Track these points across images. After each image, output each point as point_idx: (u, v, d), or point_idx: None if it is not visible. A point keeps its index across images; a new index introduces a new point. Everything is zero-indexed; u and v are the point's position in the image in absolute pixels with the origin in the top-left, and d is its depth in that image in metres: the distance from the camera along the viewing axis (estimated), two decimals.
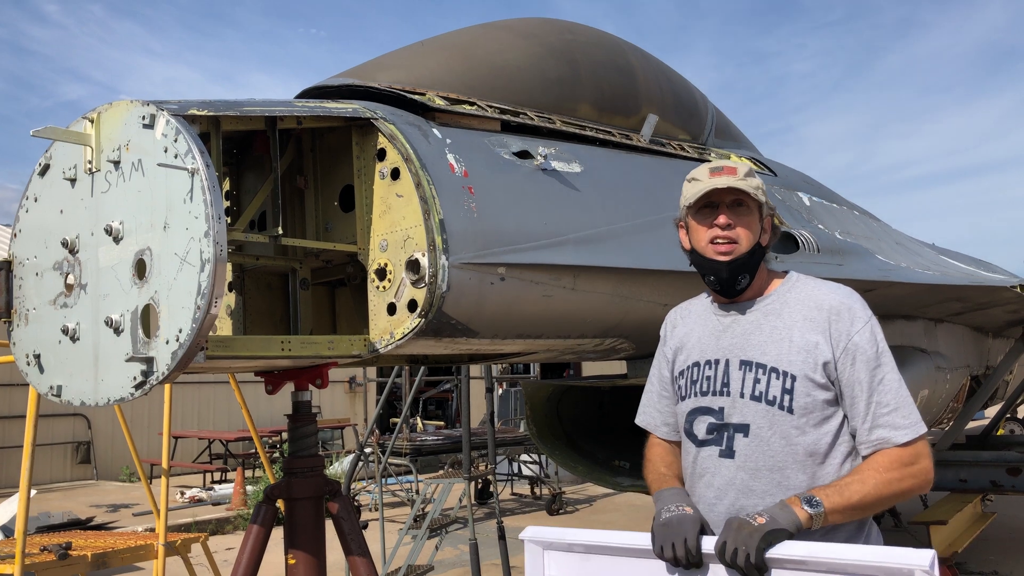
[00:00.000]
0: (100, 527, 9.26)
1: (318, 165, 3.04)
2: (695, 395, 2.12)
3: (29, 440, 4.14)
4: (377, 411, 9.20)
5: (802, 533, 1.85)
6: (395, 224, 2.63)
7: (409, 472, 11.16)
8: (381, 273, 2.67)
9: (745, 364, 2.04)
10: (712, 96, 4.59)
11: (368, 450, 9.87)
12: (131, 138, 2.22)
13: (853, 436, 2.02)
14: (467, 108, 3.02)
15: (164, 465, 5.42)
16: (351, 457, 10.09)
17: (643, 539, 1.99)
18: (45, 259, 2.44)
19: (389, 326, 2.64)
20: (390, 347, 2.63)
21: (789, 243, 4.03)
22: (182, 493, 11.71)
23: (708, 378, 2.10)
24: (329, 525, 2.95)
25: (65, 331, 2.33)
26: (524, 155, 2.97)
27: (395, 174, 2.64)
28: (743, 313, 2.11)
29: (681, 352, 2.22)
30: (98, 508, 11.02)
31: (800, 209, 4.62)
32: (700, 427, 2.10)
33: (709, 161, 4.11)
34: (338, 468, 12.17)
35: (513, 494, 12.95)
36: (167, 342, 2.09)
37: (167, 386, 5.19)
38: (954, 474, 6.60)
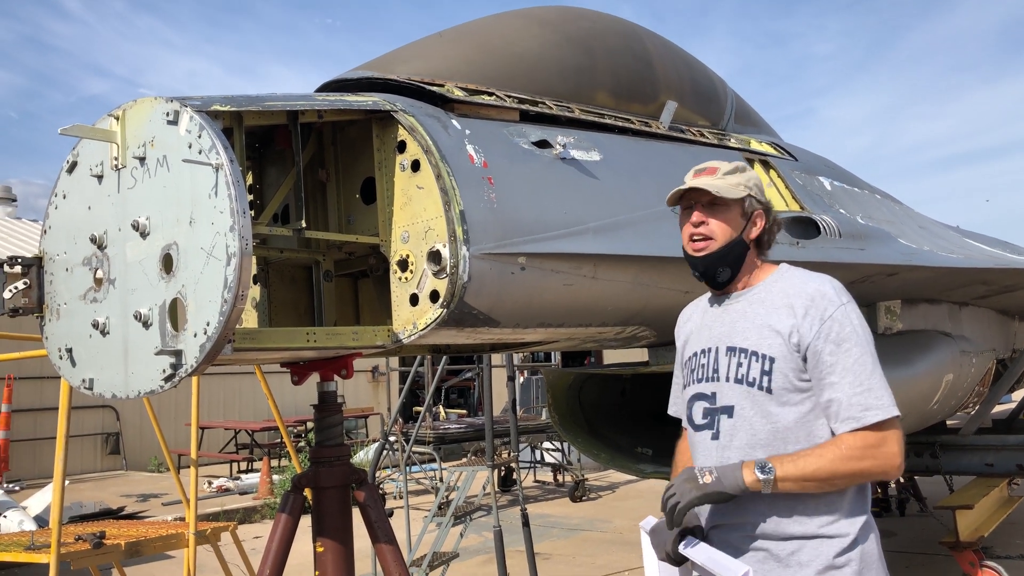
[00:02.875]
0: (131, 516, 9.41)
1: (339, 158, 3.07)
2: (693, 382, 2.25)
3: (62, 432, 4.22)
4: (400, 400, 9.28)
5: (764, 499, 2.00)
6: (416, 215, 2.66)
7: (433, 460, 11.24)
8: (403, 264, 2.70)
9: (731, 350, 2.16)
10: (731, 80, 4.57)
11: (392, 439, 9.95)
12: (156, 134, 2.26)
13: (827, 417, 2.07)
14: (486, 98, 3.03)
15: (193, 455, 5.50)
16: (376, 446, 10.18)
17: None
18: (74, 255, 2.49)
19: (412, 316, 2.67)
20: (413, 337, 2.66)
21: (810, 228, 4.01)
22: (209, 483, 11.87)
23: (703, 365, 2.23)
24: (356, 513, 2.99)
25: (95, 325, 2.38)
26: (543, 144, 2.98)
27: (415, 166, 2.66)
28: (733, 303, 2.23)
29: (687, 344, 2.35)
30: (128, 498, 11.20)
31: (821, 194, 4.59)
32: (697, 412, 2.22)
33: (729, 147, 4.11)
34: (363, 457, 12.28)
35: (536, 481, 13.01)
36: (195, 335, 2.13)
37: (195, 378, 5.27)
38: (980, 459, 6.54)
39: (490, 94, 3.08)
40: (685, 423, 2.31)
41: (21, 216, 19.75)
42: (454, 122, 2.80)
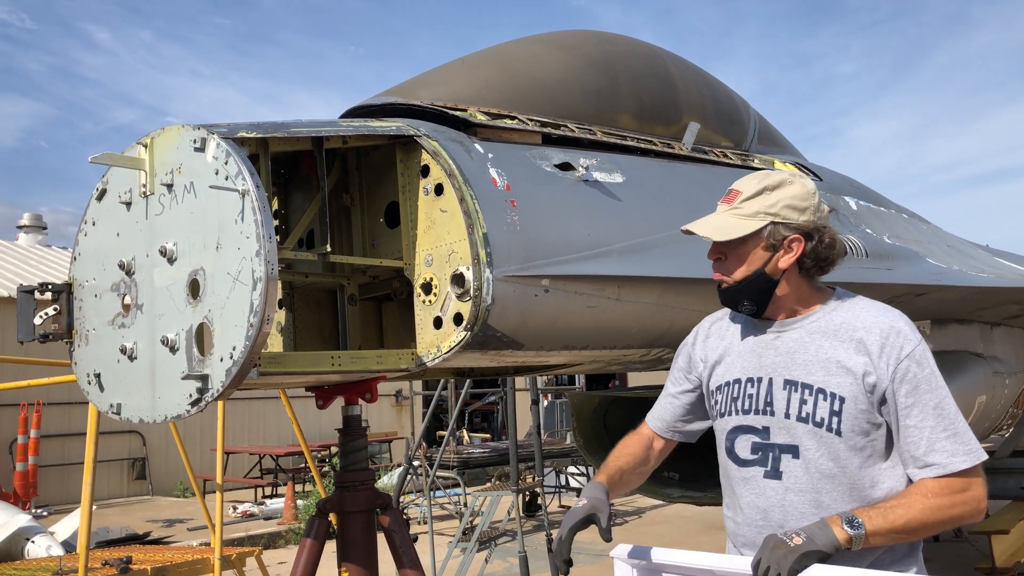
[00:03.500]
0: (157, 541, 9.44)
1: (364, 183, 3.09)
2: (735, 412, 2.07)
3: (90, 457, 4.25)
4: (424, 424, 9.26)
5: (842, 553, 1.80)
6: (440, 239, 2.67)
7: (457, 485, 11.19)
8: (427, 287, 2.70)
9: (790, 384, 1.99)
10: (754, 101, 4.56)
11: (416, 463, 9.93)
12: (183, 161, 2.29)
13: (905, 462, 1.95)
14: (508, 122, 3.05)
15: (219, 480, 5.52)
16: (400, 470, 10.16)
17: (740, 563, 1.91)
18: (103, 281, 2.52)
19: (436, 340, 2.67)
20: (437, 360, 2.65)
21: None
22: (234, 508, 11.90)
23: (750, 396, 2.04)
24: (380, 538, 2.98)
25: (123, 350, 2.40)
26: (566, 167, 2.98)
27: (439, 190, 2.67)
28: (787, 331, 2.05)
29: (720, 365, 2.15)
30: (154, 523, 11.25)
31: (847, 213, 4.55)
32: (743, 446, 2.05)
33: (752, 167, 4.09)
34: (387, 481, 12.26)
35: (561, 506, 12.90)
36: (221, 360, 2.14)
37: (220, 403, 5.30)
38: (1016, 482, 6.40)
39: (512, 118, 3.09)
40: (721, 455, 2.12)
41: (51, 243, 20.09)
42: (477, 146, 2.81)
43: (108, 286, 2.50)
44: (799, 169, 4.59)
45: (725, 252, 2.04)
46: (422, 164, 2.73)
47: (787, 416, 1.98)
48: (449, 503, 11.39)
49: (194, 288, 2.23)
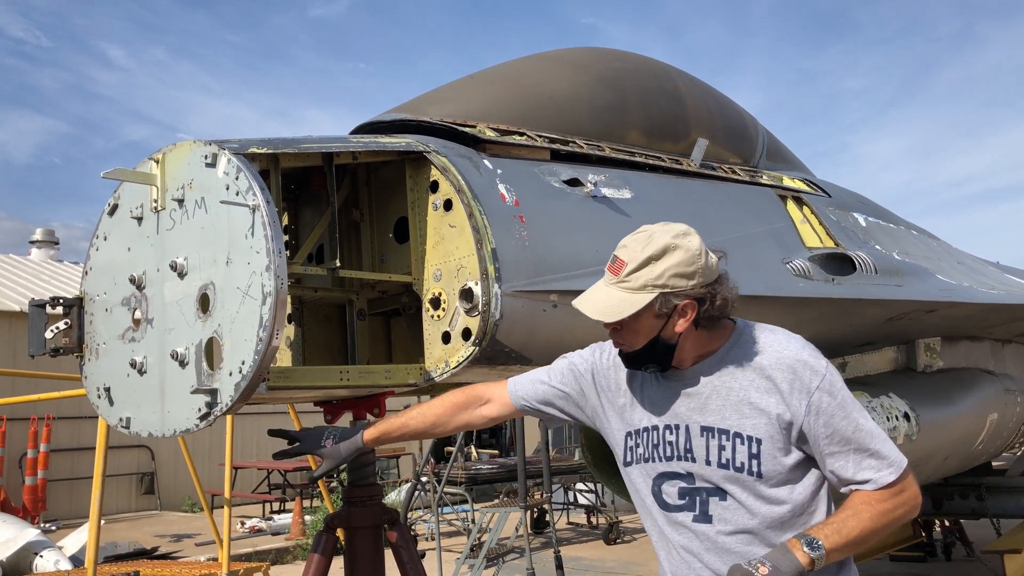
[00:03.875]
0: (165, 556, 9.44)
1: (373, 198, 3.11)
2: (659, 459, 2.07)
3: (99, 471, 4.26)
4: (432, 441, 9.24)
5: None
6: (448, 254, 2.67)
7: (464, 501, 11.15)
8: (435, 302, 2.71)
9: (707, 430, 1.99)
10: (763, 117, 4.57)
11: (424, 479, 9.91)
12: (194, 177, 2.31)
13: (834, 485, 1.98)
14: (517, 138, 3.06)
15: (227, 495, 5.52)
16: (407, 486, 10.13)
17: None
18: (114, 295, 2.54)
19: (444, 354, 2.67)
20: (445, 375, 2.66)
21: (845, 264, 3.96)
22: (242, 523, 11.88)
23: (670, 443, 2.05)
24: (388, 554, 2.97)
25: (133, 364, 2.41)
26: (574, 183, 2.99)
27: (448, 205, 2.69)
28: (695, 376, 2.04)
29: (631, 409, 2.14)
30: (162, 538, 11.24)
31: (856, 230, 4.54)
32: (670, 491, 2.05)
33: (761, 183, 4.09)
34: (395, 497, 12.23)
35: (569, 523, 12.84)
36: (230, 374, 2.15)
37: (229, 417, 5.30)
38: None
39: (521, 134, 3.11)
40: (648, 501, 2.11)
41: (63, 258, 20.22)
42: (486, 162, 2.82)
43: (119, 300, 2.51)
44: (807, 185, 4.60)
45: (620, 324, 2.02)
46: (431, 180, 2.74)
47: (708, 463, 1.99)
48: (457, 519, 11.35)
49: (204, 303, 2.25)
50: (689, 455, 2.01)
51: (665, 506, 2.07)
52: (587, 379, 2.24)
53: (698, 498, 2.01)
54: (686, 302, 1.97)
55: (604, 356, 2.25)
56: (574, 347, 2.88)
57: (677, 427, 2.04)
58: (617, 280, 1.98)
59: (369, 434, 2.37)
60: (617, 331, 2.04)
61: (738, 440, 1.95)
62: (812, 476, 1.98)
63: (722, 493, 1.98)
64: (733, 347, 2.04)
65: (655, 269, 1.95)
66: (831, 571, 1.96)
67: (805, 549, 1.83)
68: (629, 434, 2.14)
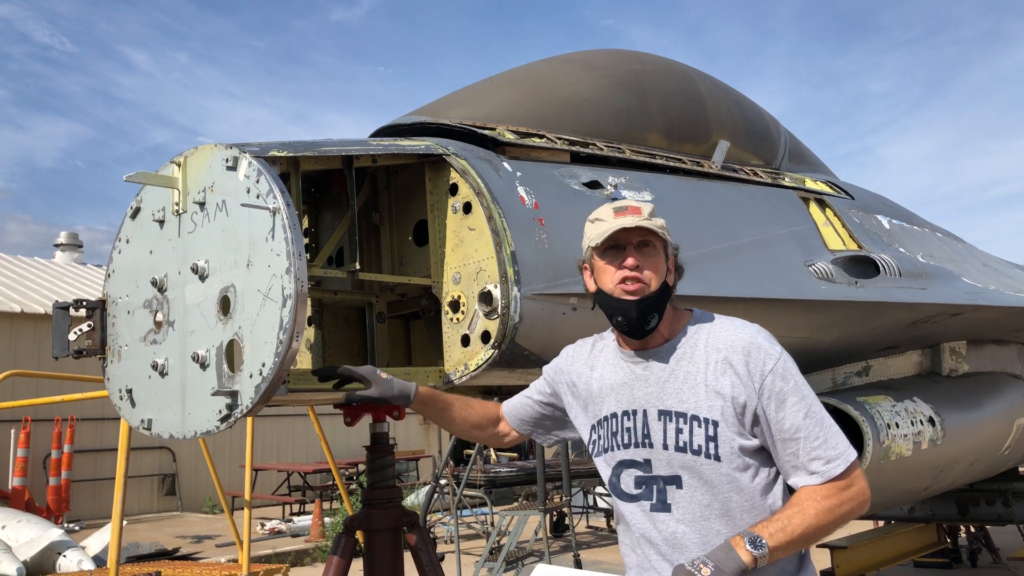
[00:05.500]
0: (186, 557, 9.50)
1: (393, 201, 3.11)
2: (617, 447, 2.06)
3: (121, 472, 4.29)
4: (452, 443, 9.25)
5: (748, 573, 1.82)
6: (468, 257, 2.67)
7: (484, 504, 11.15)
8: (455, 305, 2.71)
9: (664, 414, 1.99)
10: (785, 119, 4.53)
11: (443, 482, 9.91)
12: (215, 180, 2.32)
13: (785, 473, 1.97)
14: (536, 141, 3.05)
15: (247, 497, 5.54)
16: (427, 489, 10.14)
17: None
18: (136, 298, 2.55)
19: (463, 357, 2.66)
20: (464, 378, 2.65)
21: (869, 267, 3.92)
22: (262, 525, 11.94)
23: (628, 429, 2.04)
24: (408, 557, 2.97)
25: (155, 366, 2.42)
26: (594, 185, 2.98)
27: (467, 208, 2.68)
28: (654, 360, 2.05)
29: (594, 399, 2.15)
30: (183, 539, 11.32)
31: (879, 232, 4.49)
32: (627, 480, 2.04)
33: (783, 186, 4.06)
34: (414, 500, 12.25)
35: (589, 527, 12.79)
36: (251, 376, 2.15)
37: (249, 419, 5.33)
38: None
39: (541, 136, 3.10)
40: (610, 490, 2.12)
41: (87, 262, 20.45)
42: (505, 164, 2.82)
43: (141, 303, 2.53)
44: (830, 187, 4.55)
45: (643, 262, 2.02)
46: (451, 182, 2.74)
47: (665, 447, 1.98)
48: (476, 522, 11.34)
49: (225, 305, 2.25)
50: (647, 440, 2.01)
51: (623, 496, 2.06)
52: (559, 379, 2.28)
53: (655, 486, 2.00)
54: (672, 258, 2.09)
55: (570, 354, 2.28)
56: None
57: (635, 412, 2.04)
58: (642, 218, 2.02)
59: (422, 391, 2.38)
60: (638, 268, 2.02)
61: (695, 423, 1.96)
62: (769, 467, 1.98)
63: (678, 480, 1.97)
64: (691, 333, 2.06)
65: (662, 220, 2.06)
66: (791, 569, 1.95)
67: (748, 548, 1.82)
68: (593, 426, 2.16)
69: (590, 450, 2.18)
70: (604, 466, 2.12)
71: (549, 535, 8.45)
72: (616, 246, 2.04)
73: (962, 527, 8.09)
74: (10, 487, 11.37)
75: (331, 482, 14.14)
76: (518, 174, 2.79)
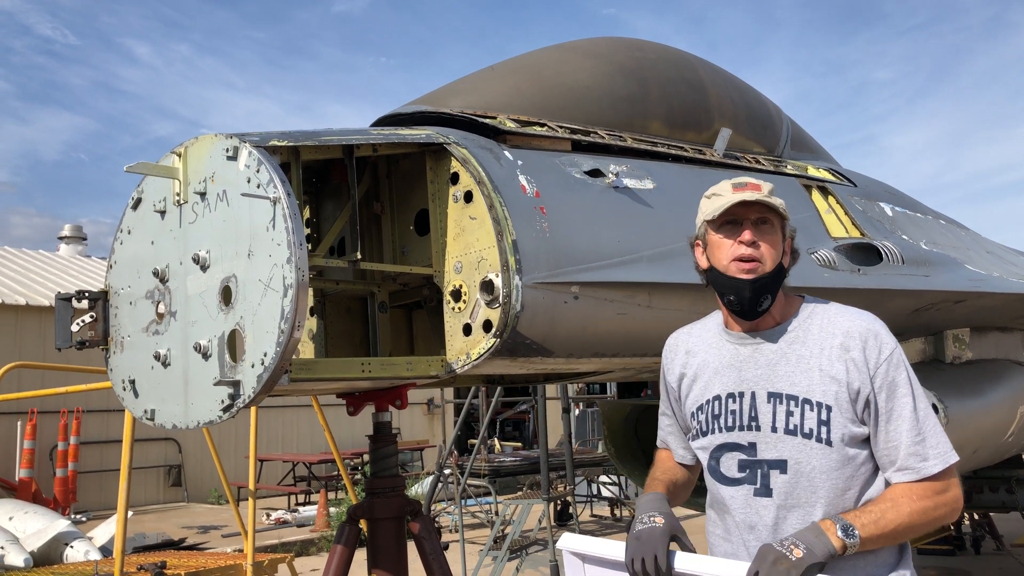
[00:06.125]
0: (192, 548, 9.54)
1: (394, 191, 3.11)
2: (718, 430, 2.01)
3: (126, 463, 4.31)
4: (455, 432, 9.27)
5: (835, 560, 1.78)
6: (469, 246, 2.67)
7: (488, 493, 11.18)
8: (456, 294, 2.71)
9: (774, 396, 1.94)
10: (788, 108, 4.51)
11: (447, 471, 9.94)
12: (216, 170, 2.32)
13: (883, 465, 1.94)
14: (538, 129, 3.04)
15: (251, 488, 5.57)
16: (431, 478, 10.17)
17: (688, 561, 1.89)
18: (138, 288, 2.56)
19: (465, 346, 2.67)
20: (467, 367, 2.65)
21: (872, 255, 3.91)
22: (268, 515, 11.99)
23: (733, 412, 1.99)
24: (411, 545, 2.98)
25: (157, 357, 2.43)
26: (595, 174, 2.97)
27: (468, 197, 2.68)
28: (764, 342, 2.00)
29: (696, 383, 2.10)
30: (189, 529, 11.37)
31: (882, 219, 4.48)
32: (729, 464, 2.00)
33: (785, 173, 4.05)
34: (418, 490, 12.28)
35: (593, 515, 12.82)
36: (253, 366, 2.16)
37: (253, 409, 5.35)
38: None
39: (542, 125, 3.09)
40: (706, 475, 2.08)
41: (91, 254, 20.48)
42: (506, 153, 2.81)
43: (143, 294, 2.53)
44: (833, 175, 4.54)
45: (760, 239, 1.96)
46: (452, 171, 2.73)
47: (774, 430, 1.94)
48: (480, 511, 11.37)
49: (226, 295, 2.26)
50: (754, 423, 1.96)
51: (723, 480, 2.02)
52: (668, 380, 2.22)
53: (759, 471, 1.95)
54: (790, 240, 2.03)
55: (669, 353, 2.23)
56: (596, 339, 2.87)
57: (741, 395, 1.99)
58: (762, 195, 1.96)
59: (661, 494, 2.14)
60: (755, 244, 1.97)
61: (807, 406, 1.91)
62: (866, 452, 1.94)
63: (783, 464, 1.92)
64: (803, 316, 2.02)
65: (781, 200, 2.00)
66: (891, 562, 1.92)
67: (840, 534, 1.78)
68: (693, 413, 2.11)
69: (691, 436, 2.13)
70: (702, 452, 2.07)
71: (553, 524, 8.47)
72: (733, 221, 1.98)
73: (966, 514, 8.10)
74: (17, 479, 11.43)
75: (336, 472, 14.19)
76: (519, 163, 2.79)
